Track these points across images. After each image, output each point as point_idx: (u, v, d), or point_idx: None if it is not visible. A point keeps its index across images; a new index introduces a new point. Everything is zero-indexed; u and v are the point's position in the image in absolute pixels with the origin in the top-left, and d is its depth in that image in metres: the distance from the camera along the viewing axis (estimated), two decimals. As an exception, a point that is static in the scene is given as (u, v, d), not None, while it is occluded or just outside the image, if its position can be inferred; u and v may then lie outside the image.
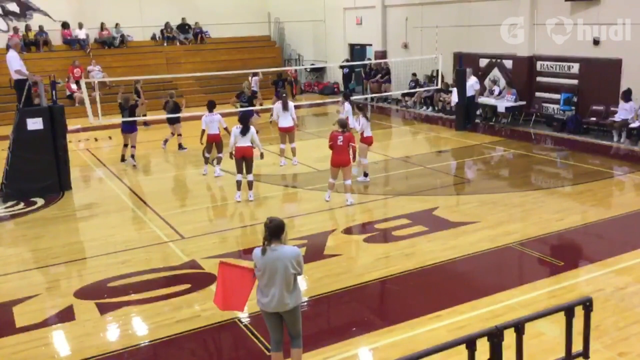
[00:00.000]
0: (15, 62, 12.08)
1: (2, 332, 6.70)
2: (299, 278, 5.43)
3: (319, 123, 20.95)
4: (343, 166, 10.59)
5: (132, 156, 14.49)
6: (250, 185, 11.17)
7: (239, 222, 10.48)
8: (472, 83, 17.62)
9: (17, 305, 7.33)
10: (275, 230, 5.17)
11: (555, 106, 17.03)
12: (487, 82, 18.89)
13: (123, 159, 14.73)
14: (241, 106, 15.76)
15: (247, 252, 8.72)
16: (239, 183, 11.17)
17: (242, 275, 5.45)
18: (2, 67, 17.57)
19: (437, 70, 18.96)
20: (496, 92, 18.24)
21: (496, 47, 18.36)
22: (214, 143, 13.04)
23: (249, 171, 11.10)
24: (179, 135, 15.95)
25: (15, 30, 23.18)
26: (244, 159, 10.96)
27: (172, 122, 15.93)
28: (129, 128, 14.39)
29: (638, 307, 6.80)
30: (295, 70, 25.72)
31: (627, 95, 14.75)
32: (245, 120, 10.91)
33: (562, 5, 16.25)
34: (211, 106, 13.20)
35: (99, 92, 18.26)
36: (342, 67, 24.51)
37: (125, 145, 14.64)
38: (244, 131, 10.78)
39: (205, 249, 8.94)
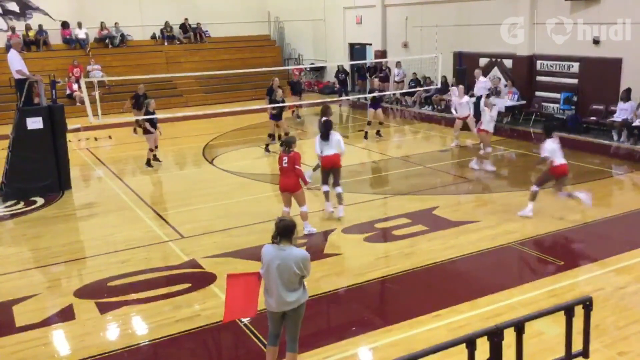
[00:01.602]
0: (16, 62, 12.08)
1: (2, 331, 6.70)
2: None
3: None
4: (291, 192, 9.09)
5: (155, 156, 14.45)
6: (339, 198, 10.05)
7: (239, 222, 10.46)
8: (483, 84, 17.49)
9: (17, 304, 7.33)
10: (284, 230, 5.16)
11: (555, 105, 17.03)
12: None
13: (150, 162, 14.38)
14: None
15: (246, 252, 8.72)
16: (326, 194, 10.22)
17: (246, 282, 5.43)
18: (2, 66, 17.60)
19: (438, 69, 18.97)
20: (503, 90, 18.22)
21: (496, 46, 18.36)
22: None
23: (336, 182, 10.03)
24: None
25: (13, 29, 23.16)
26: (332, 170, 9.96)
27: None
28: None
29: (638, 306, 6.80)
30: (301, 71, 25.60)
31: (627, 95, 14.75)
32: (327, 127, 9.95)
33: (562, 5, 16.25)
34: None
35: (98, 91, 18.25)
36: (337, 73, 24.48)
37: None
38: (325, 137, 9.80)
39: (205, 249, 8.94)
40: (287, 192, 9.15)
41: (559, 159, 9.66)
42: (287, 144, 9.04)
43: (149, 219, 10.51)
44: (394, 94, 21.95)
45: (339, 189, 10.01)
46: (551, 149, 9.64)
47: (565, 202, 10.76)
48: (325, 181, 10.10)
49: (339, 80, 24.51)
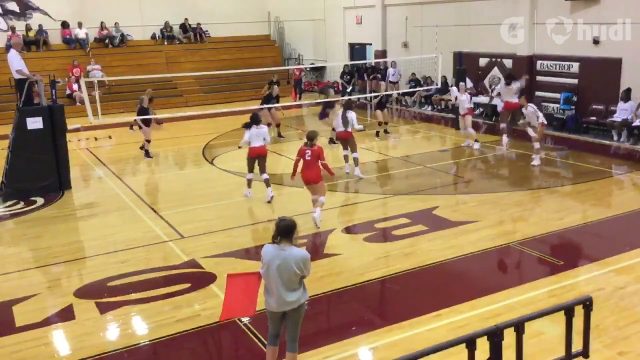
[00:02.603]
0: (16, 62, 12.07)
1: (2, 331, 6.69)
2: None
3: (319, 122, 20.92)
4: (313, 183, 9.68)
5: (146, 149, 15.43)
6: (267, 183, 11.21)
7: (239, 222, 10.46)
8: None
9: (17, 304, 7.32)
10: (285, 230, 5.17)
11: (555, 105, 17.03)
12: (486, 81, 18.93)
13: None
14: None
15: (246, 252, 8.72)
16: (249, 181, 11.43)
17: (246, 281, 5.44)
18: (2, 66, 17.60)
19: (438, 69, 18.98)
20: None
21: (496, 46, 18.37)
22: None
23: (262, 170, 11.19)
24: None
25: (13, 29, 23.17)
26: (258, 158, 11.13)
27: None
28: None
29: (638, 306, 6.80)
30: (300, 71, 25.58)
31: (626, 95, 14.75)
32: (256, 120, 11.03)
33: (562, 5, 16.25)
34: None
35: (98, 91, 18.28)
36: (343, 75, 24.49)
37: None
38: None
39: (205, 249, 8.94)
40: (312, 184, 9.68)
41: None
42: (310, 138, 9.69)
43: (149, 219, 10.51)
44: (391, 95, 21.94)
45: (265, 176, 11.17)
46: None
47: (564, 202, 10.80)
48: (251, 169, 11.27)
49: (345, 81, 24.46)
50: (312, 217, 9.67)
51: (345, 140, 12.72)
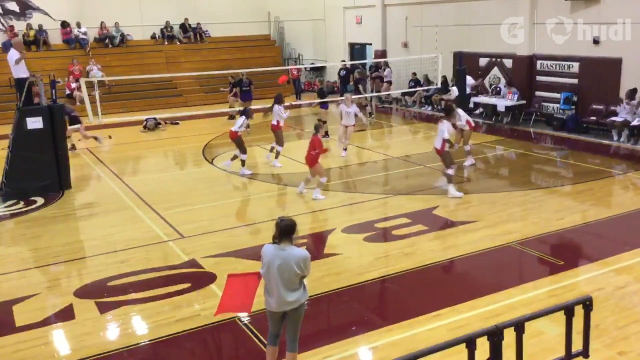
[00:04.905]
0: (15, 60, 12.06)
1: (2, 331, 6.70)
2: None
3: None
4: (310, 166, 11.25)
5: None
6: (234, 156, 13.43)
7: (239, 222, 10.47)
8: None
9: (17, 304, 7.33)
10: (285, 230, 5.18)
11: (555, 105, 17.05)
12: (487, 80, 18.94)
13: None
14: (242, 91, 19.60)
15: (246, 252, 8.72)
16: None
17: (245, 280, 5.45)
18: (2, 66, 17.60)
19: (438, 69, 18.98)
20: (502, 90, 18.27)
21: (496, 46, 18.37)
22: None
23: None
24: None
25: (12, 29, 23.15)
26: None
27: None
28: None
29: (638, 306, 6.81)
30: (298, 70, 25.57)
31: (631, 95, 14.71)
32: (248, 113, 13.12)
33: (562, 5, 16.26)
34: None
35: (98, 91, 18.24)
36: (339, 70, 24.44)
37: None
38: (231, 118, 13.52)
39: (205, 248, 8.94)
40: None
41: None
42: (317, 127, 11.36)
43: (149, 219, 10.50)
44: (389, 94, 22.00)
45: (236, 152, 13.29)
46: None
47: (564, 202, 10.78)
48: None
49: (340, 77, 24.32)
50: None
51: (274, 131, 13.93)
